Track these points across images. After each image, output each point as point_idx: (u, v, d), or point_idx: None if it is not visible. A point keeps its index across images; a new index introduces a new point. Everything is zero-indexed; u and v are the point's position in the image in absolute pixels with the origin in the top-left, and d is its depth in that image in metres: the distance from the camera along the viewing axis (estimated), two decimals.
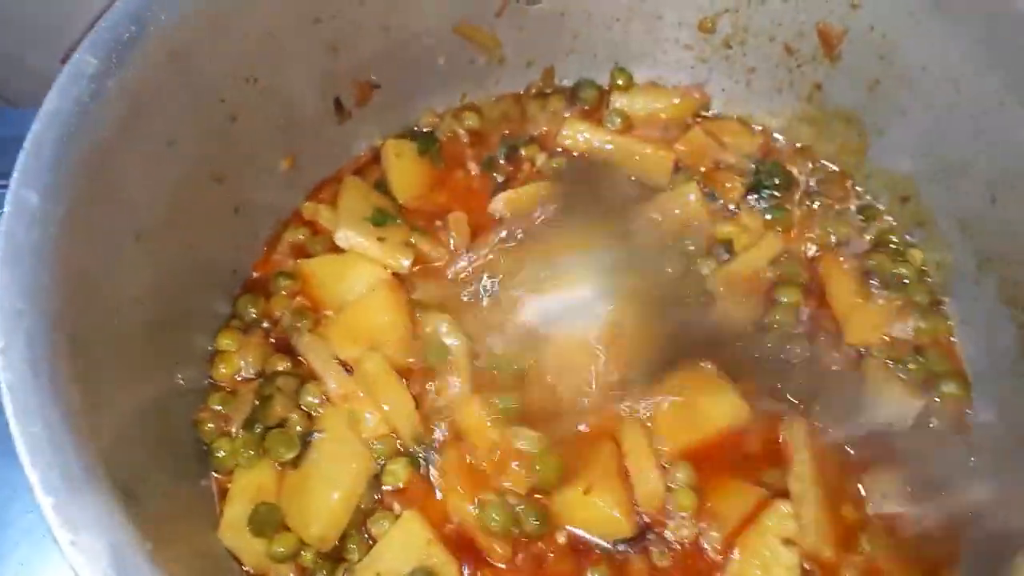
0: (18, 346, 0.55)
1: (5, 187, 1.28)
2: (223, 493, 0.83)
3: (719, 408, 0.86)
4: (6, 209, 0.61)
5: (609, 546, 0.81)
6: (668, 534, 0.82)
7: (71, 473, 0.51)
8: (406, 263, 0.94)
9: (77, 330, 0.61)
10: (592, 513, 0.81)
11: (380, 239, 0.93)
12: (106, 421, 0.61)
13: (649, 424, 0.86)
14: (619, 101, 1.06)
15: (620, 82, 1.08)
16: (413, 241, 0.96)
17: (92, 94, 0.68)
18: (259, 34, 0.84)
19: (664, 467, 0.84)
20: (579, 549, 0.81)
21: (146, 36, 0.73)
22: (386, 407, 0.85)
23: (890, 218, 0.98)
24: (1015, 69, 0.78)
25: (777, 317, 0.92)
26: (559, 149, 1.05)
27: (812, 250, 0.97)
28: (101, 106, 0.69)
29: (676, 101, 1.07)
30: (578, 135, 1.04)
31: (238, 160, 0.89)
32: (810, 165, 1.02)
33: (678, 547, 0.81)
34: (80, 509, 0.50)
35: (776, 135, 1.05)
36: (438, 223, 0.99)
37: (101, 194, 0.69)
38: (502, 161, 1.04)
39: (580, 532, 0.82)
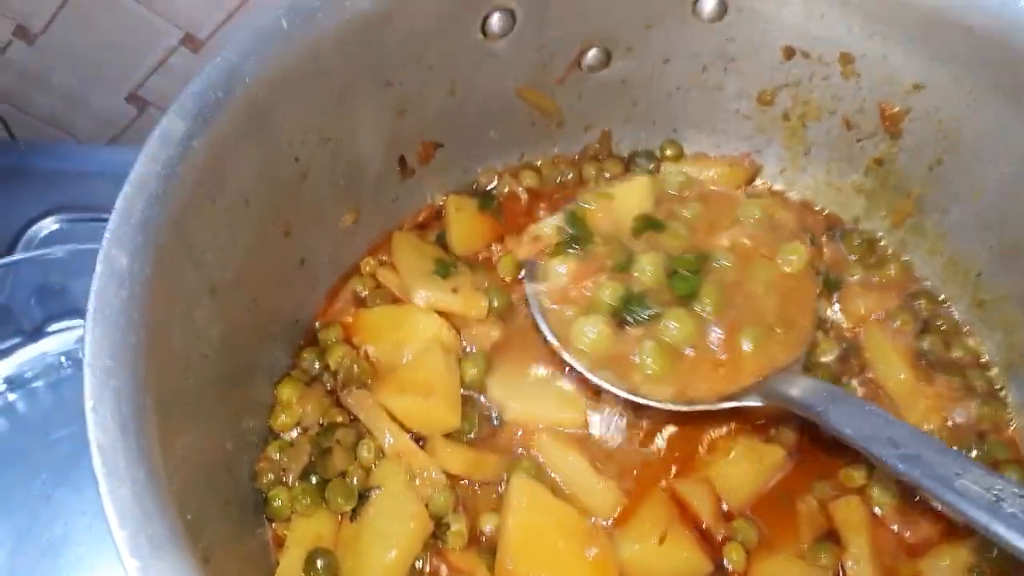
0: (108, 405, 0.57)
1: (73, 221, 1.34)
2: (278, 543, 0.84)
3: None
4: (97, 269, 0.63)
5: None
6: None
7: (156, 537, 0.52)
8: (485, 306, 0.96)
9: (159, 389, 0.63)
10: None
11: (454, 291, 0.96)
12: (180, 478, 0.62)
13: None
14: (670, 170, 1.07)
15: (669, 152, 1.10)
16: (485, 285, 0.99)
17: (180, 157, 0.71)
18: (334, 97, 0.87)
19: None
20: None
21: (231, 99, 0.75)
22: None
23: (944, 297, 0.98)
24: None
25: None
26: None
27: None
28: (187, 168, 0.71)
29: (726, 170, 1.08)
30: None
31: (306, 215, 0.91)
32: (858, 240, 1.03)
33: None
34: (163, 573, 0.51)
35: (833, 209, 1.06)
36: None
37: (182, 253, 0.71)
38: None
39: None
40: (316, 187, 0.90)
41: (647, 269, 0.90)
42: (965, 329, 0.97)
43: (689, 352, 0.86)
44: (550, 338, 0.89)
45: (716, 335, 0.87)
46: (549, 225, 0.98)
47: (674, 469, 0.89)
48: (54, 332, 1.19)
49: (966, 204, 0.92)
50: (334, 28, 0.82)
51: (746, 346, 0.86)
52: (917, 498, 0.86)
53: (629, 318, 0.88)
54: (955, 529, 0.84)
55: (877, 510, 0.86)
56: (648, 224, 0.97)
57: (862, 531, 0.83)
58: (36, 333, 1.19)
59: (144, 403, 0.59)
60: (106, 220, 1.32)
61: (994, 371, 0.95)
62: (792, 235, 0.95)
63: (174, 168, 0.70)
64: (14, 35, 1.58)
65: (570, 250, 0.94)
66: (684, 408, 0.84)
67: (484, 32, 0.93)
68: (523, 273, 0.97)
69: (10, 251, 1.31)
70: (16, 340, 1.18)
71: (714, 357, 0.86)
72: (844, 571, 0.82)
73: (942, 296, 0.98)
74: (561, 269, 0.94)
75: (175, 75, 1.66)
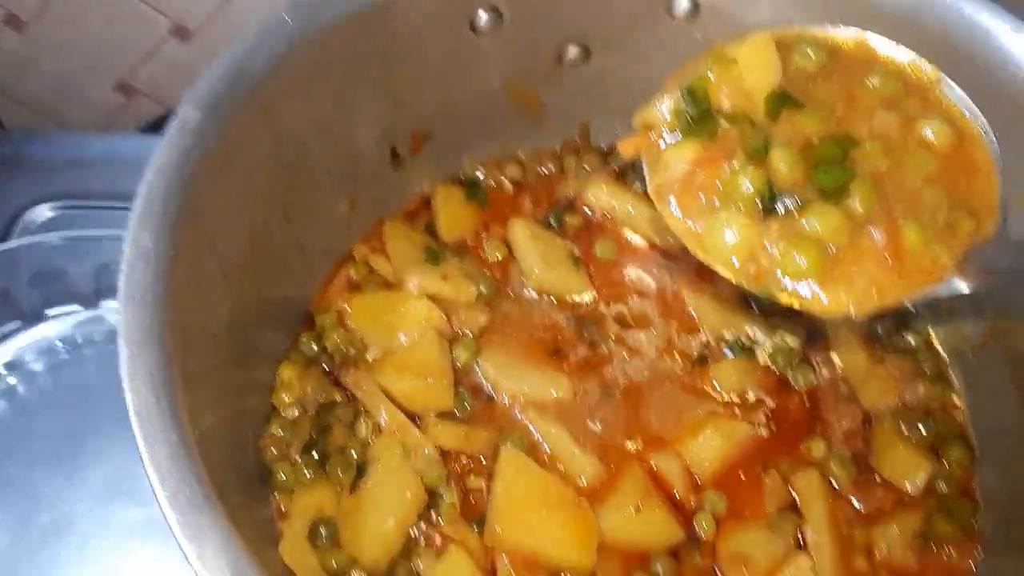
0: (142, 376, 0.62)
1: (66, 208, 1.36)
2: (281, 515, 0.89)
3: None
4: (126, 250, 0.68)
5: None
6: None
7: (193, 493, 0.58)
8: (474, 292, 1.01)
9: (182, 363, 0.68)
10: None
11: (443, 277, 1.01)
12: (203, 447, 0.67)
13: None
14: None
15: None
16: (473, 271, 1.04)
17: (195, 145, 0.76)
18: (333, 90, 0.92)
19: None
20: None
21: (241, 91, 0.80)
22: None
23: None
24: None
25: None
26: (585, 208, 1.12)
27: None
28: (201, 156, 0.76)
29: None
30: (601, 195, 1.11)
31: (306, 202, 0.96)
32: None
33: None
34: (202, 525, 0.57)
35: None
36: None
37: (198, 236, 0.76)
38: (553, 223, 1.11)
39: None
40: (316, 175, 0.96)
41: (786, 160, 0.77)
42: (915, 315, 1.04)
43: (848, 252, 0.75)
44: (686, 242, 0.79)
45: (877, 234, 0.75)
46: (662, 108, 0.84)
47: (650, 444, 0.95)
48: (53, 317, 1.22)
49: None
50: (335, 23, 0.87)
51: (913, 242, 0.75)
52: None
53: (774, 213, 0.76)
54: (904, 500, 0.92)
55: (834, 483, 0.93)
56: (785, 101, 0.82)
57: (820, 502, 0.90)
58: (35, 318, 1.21)
59: (173, 374, 0.65)
60: (99, 207, 1.35)
61: (944, 355, 1.02)
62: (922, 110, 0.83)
63: (190, 155, 0.75)
64: (5, 23, 1.60)
65: (689, 136, 0.81)
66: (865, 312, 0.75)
67: (473, 29, 0.98)
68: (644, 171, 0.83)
69: (4, 238, 1.33)
70: (15, 325, 1.21)
71: (881, 258, 0.75)
72: (804, 538, 0.89)
73: None
74: (681, 160, 0.80)
75: (165, 64, 1.69)
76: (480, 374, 0.99)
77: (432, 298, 1.01)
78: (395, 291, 1.03)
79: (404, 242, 1.07)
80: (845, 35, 0.87)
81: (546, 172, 1.15)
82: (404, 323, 0.99)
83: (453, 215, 1.11)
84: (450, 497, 0.90)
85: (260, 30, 0.82)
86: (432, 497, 0.90)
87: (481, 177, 1.14)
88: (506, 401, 0.98)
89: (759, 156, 0.78)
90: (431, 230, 1.11)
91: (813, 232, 0.75)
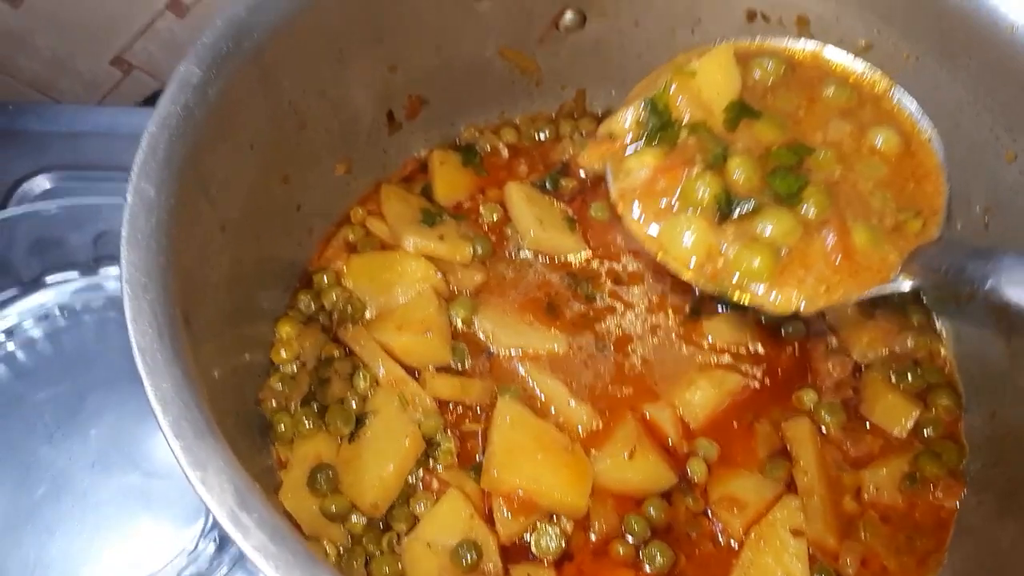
0: (145, 315, 0.64)
1: (63, 179, 1.37)
2: (281, 465, 0.92)
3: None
4: (128, 199, 0.69)
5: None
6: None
7: (195, 422, 0.60)
8: (470, 252, 1.03)
9: (184, 305, 0.70)
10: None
11: (440, 237, 1.03)
12: (204, 385, 0.69)
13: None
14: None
15: None
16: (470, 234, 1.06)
17: (196, 101, 0.77)
18: (332, 52, 0.93)
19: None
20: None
21: (240, 51, 0.82)
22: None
23: None
24: (1009, 107, 0.88)
25: None
26: (580, 172, 1.13)
27: None
28: (202, 111, 0.78)
29: None
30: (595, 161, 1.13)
31: (303, 163, 0.98)
32: None
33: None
34: (205, 452, 0.59)
35: None
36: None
37: (198, 188, 0.78)
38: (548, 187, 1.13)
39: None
40: (313, 137, 0.97)
41: (742, 167, 0.82)
42: None
43: (800, 253, 0.80)
44: (646, 244, 0.84)
45: (828, 235, 0.79)
46: (625, 119, 0.88)
47: (643, 394, 0.98)
48: (51, 284, 1.23)
49: None
50: None
51: (862, 243, 0.79)
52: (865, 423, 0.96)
53: (730, 216, 0.81)
54: (892, 444, 0.94)
55: (824, 429, 0.95)
56: (743, 111, 0.87)
57: (810, 447, 0.92)
58: (33, 284, 1.22)
59: (175, 314, 0.66)
60: (96, 179, 1.36)
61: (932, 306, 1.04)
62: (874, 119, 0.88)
63: (191, 111, 0.77)
64: None
65: (650, 145, 0.86)
66: (814, 310, 0.80)
67: None
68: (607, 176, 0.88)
69: (2, 207, 1.34)
70: (14, 291, 1.22)
71: (831, 258, 0.79)
72: (795, 481, 0.91)
73: None
74: (643, 167, 0.85)
75: (160, 39, 1.69)
76: (478, 330, 1.01)
77: (429, 257, 1.03)
78: (392, 251, 1.05)
79: (401, 204, 1.09)
80: (803, 47, 0.93)
81: (542, 137, 1.17)
82: (401, 281, 1.01)
83: (449, 179, 1.12)
84: (447, 444, 0.93)
85: None
86: (430, 445, 0.93)
87: (477, 142, 1.16)
88: (503, 354, 1.00)
89: (717, 164, 0.82)
90: (427, 194, 1.12)
91: (767, 234, 0.79)
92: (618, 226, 1.08)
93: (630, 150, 0.87)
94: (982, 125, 0.90)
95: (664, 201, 0.83)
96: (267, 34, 0.84)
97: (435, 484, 0.91)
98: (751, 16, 1.03)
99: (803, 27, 1.01)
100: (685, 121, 0.85)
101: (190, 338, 0.69)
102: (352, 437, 0.92)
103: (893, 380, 0.97)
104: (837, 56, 0.92)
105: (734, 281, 0.80)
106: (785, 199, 0.81)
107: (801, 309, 0.79)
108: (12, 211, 1.26)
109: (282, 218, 0.99)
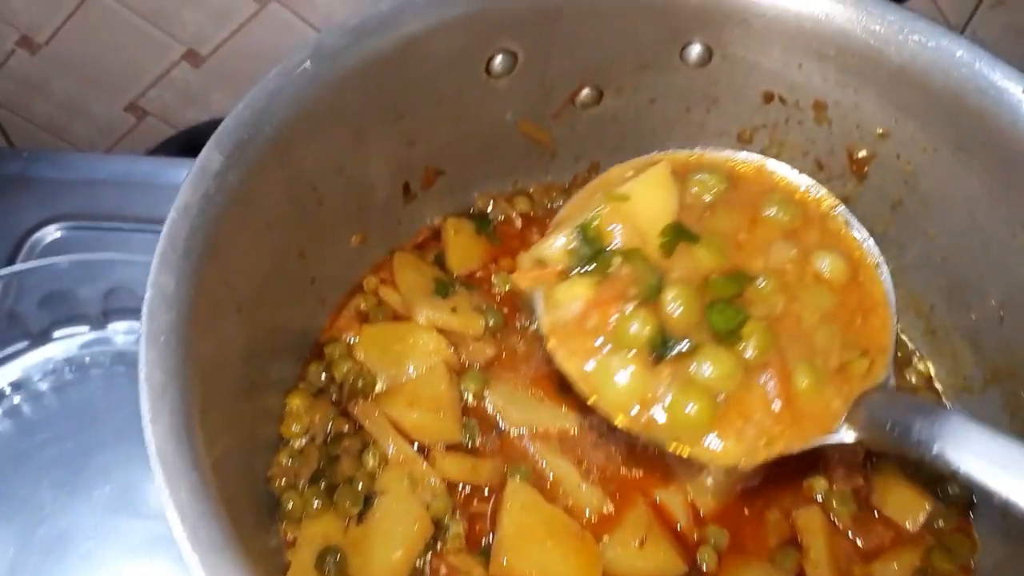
0: (164, 417, 0.64)
1: (73, 229, 1.37)
2: (288, 544, 0.91)
3: None
4: (148, 293, 0.70)
5: None
6: None
7: (214, 532, 0.59)
8: (482, 325, 1.03)
9: (201, 399, 0.70)
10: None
11: (453, 310, 1.03)
12: (220, 480, 0.69)
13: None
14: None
15: None
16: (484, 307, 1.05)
17: (217, 188, 0.78)
18: (349, 131, 0.94)
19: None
20: None
21: (260, 136, 0.82)
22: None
23: (901, 326, 1.07)
24: None
25: None
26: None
27: None
28: (223, 198, 0.78)
29: None
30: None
31: (319, 238, 0.98)
32: None
33: None
34: (223, 565, 0.58)
35: None
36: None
37: (217, 276, 0.78)
38: None
39: None
40: (330, 213, 0.98)
41: (679, 300, 0.76)
42: (917, 356, 1.07)
43: (738, 401, 0.75)
44: (578, 386, 0.80)
45: (768, 380, 0.75)
46: (555, 246, 0.83)
47: (654, 478, 0.97)
48: (59, 338, 1.24)
49: (922, 244, 1.01)
50: (354, 68, 0.89)
51: (805, 388, 0.75)
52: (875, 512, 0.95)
53: (665, 357, 0.76)
54: (904, 537, 0.94)
55: (835, 520, 0.95)
56: (680, 234, 0.82)
57: (820, 538, 0.91)
58: (42, 338, 1.23)
59: (192, 413, 0.66)
60: (107, 228, 1.37)
61: (944, 394, 1.04)
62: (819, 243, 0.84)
63: (212, 198, 0.77)
64: (18, 44, 1.62)
65: (584, 273, 0.81)
66: (754, 464, 0.75)
67: (488, 71, 1.00)
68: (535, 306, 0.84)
69: (12, 259, 1.35)
70: (23, 344, 1.22)
71: (771, 406, 0.75)
72: (804, 572, 0.91)
73: (899, 325, 1.08)
74: (574, 299, 0.80)
75: (175, 88, 1.71)
76: (488, 404, 1.01)
77: (441, 330, 1.03)
78: (404, 322, 1.05)
79: (414, 273, 1.09)
80: (745, 160, 0.90)
81: (555, 207, 1.17)
82: (413, 354, 1.01)
83: (463, 248, 1.13)
84: (456, 528, 0.92)
85: (281, 77, 0.84)
86: (438, 528, 0.92)
87: (491, 211, 1.16)
88: (514, 432, 0.99)
89: (652, 295, 0.78)
90: (440, 262, 1.12)
91: (703, 378, 0.75)
92: None
93: (561, 278, 0.82)
94: (999, 220, 0.91)
95: (595, 339, 0.78)
96: (287, 118, 0.84)
97: (443, 569, 0.90)
98: (768, 98, 1.04)
99: (820, 112, 1.01)
100: (618, 248, 0.81)
101: (205, 433, 0.69)
102: (360, 517, 0.91)
103: (904, 470, 0.96)
104: (781, 169, 0.89)
105: (671, 432, 0.75)
106: (724, 336, 0.76)
107: (742, 464, 0.75)
108: (24, 265, 1.27)
109: (296, 291, 0.99)
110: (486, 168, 1.15)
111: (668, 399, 0.74)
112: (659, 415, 0.75)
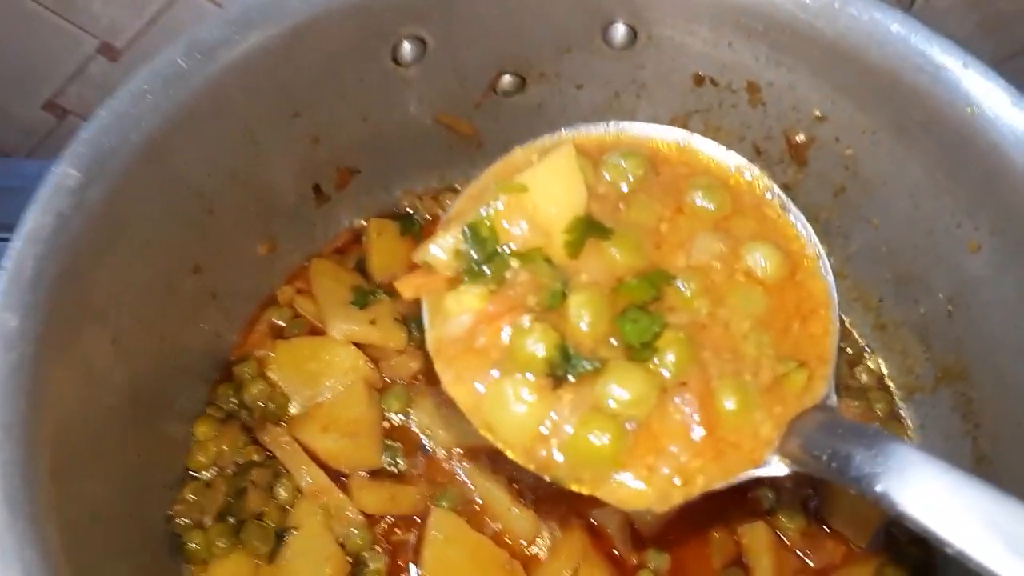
0: None
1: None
2: None
3: None
4: None
5: None
6: None
7: None
8: (404, 338, 0.95)
9: (55, 450, 0.62)
10: None
11: (372, 322, 0.95)
12: (82, 538, 0.61)
13: None
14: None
15: None
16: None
17: (73, 207, 0.69)
18: (238, 132, 0.86)
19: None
20: None
21: (127, 144, 0.74)
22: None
23: (849, 321, 1.01)
24: (970, 193, 0.81)
25: None
26: None
27: None
28: (82, 218, 0.70)
29: None
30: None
31: (215, 250, 0.90)
32: None
33: None
34: None
35: None
36: None
37: (77, 305, 0.70)
38: None
39: None
40: (225, 221, 0.89)
41: (586, 309, 0.64)
42: (867, 352, 1.00)
43: (651, 431, 0.63)
44: (468, 415, 0.67)
45: (687, 403, 0.62)
46: (443, 247, 0.68)
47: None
48: None
49: (866, 233, 0.94)
50: (236, 63, 0.80)
51: (730, 412, 0.63)
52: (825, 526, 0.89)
53: (566, 379, 0.63)
54: (856, 554, 0.88)
55: (783, 537, 0.88)
56: (590, 229, 0.68)
57: (767, 556, 0.86)
58: None
59: (35, 471, 0.58)
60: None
61: (895, 393, 0.98)
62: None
63: (67, 220, 0.69)
64: None
65: (476, 279, 0.66)
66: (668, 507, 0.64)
67: (396, 60, 0.92)
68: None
69: None
70: None
71: (690, 436, 0.62)
72: None
73: (848, 320, 1.01)
74: (463, 311, 0.66)
75: (94, 83, 1.62)
76: (414, 425, 0.94)
77: (359, 344, 0.95)
78: (320, 337, 0.97)
79: (332, 281, 1.01)
80: (667, 138, 0.76)
81: None
82: (329, 372, 0.94)
83: (386, 251, 1.05)
84: (377, 564, 0.85)
85: (149, 77, 0.76)
86: (357, 563, 0.85)
87: (416, 210, 1.08)
88: (440, 454, 0.92)
89: (555, 304, 0.65)
90: (361, 267, 1.04)
91: (611, 404, 0.62)
92: None
93: (450, 285, 0.68)
94: (943, 209, 0.84)
95: (487, 359, 0.64)
96: (158, 122, 0.76)
97: None
98: (699, 81, 0.96)
99: (754, 94, 0.94)
100: (516, 249, 0.67)
101: (60, 488, 0.61)
102: (272, 556, 0.84)
103: None
104: (707, 147, 0.75)
105: (573, 469, 0.63)
106: (638, 351, 0.63)
107: (654, 507, 0.62)
108: None
109: (195, 310, 0.91)
110: (407, 164, 1.07)
111: (567, 430, 0.62)
112: (557, 451, 0.63)
